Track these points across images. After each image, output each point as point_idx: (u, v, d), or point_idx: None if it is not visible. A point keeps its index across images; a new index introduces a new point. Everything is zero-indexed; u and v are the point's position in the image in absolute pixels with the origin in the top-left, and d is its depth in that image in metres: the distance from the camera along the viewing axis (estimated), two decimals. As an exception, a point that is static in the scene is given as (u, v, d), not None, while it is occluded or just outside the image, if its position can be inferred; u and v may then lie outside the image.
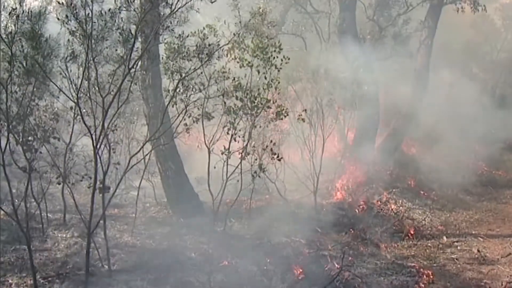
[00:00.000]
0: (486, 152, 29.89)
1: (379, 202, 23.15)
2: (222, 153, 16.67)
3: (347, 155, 25.91)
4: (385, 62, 28.26)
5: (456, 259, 18.80)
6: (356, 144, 26.60)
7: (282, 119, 17.26)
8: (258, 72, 16.87)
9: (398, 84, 27.43)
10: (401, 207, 23.14)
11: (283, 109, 17.60)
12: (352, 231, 19.99)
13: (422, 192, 25.11)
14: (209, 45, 15.39)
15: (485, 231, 21.69)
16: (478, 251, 19.28)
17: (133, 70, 13.87)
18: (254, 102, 16.38)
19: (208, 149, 17.03)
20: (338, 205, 22.12)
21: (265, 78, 16.84)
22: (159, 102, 17.96)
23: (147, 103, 18.43)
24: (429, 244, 20.06)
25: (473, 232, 21.44)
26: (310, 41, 29.02)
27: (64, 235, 16.92)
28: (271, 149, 17.35)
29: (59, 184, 16.75)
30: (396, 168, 26.47)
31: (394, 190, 24.21)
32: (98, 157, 13.87)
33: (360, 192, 23.35)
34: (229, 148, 16.80)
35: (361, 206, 22.36)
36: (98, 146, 13.58)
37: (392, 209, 22.79)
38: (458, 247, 19.83)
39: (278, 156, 17.32)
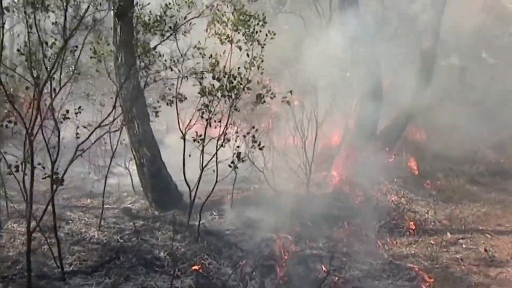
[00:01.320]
0: (495, 139, 26.63)
1: (378, 193, 20.17)
2: (194, 140, 13.83)
3: (347, 142, 22.96)
4: (389, 43, 25.23)
5: (461, 259, 15.90)
6: (357, 130, 23.63)
7: (263, 102, 14.34)
8: (240, 49, 13.97)
9: (403, 67, 24.43)
10: (402, 199, 20.23)
11: (269, 91, 14.68)
12: (347, 226, 17.08)
13: (426, 182, 21.99)
14: (172, 17, 12.61)
15: (494, 227, 18.74)
16: (486, 250, 16.43)
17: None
18: (233, 83, 13.46)
19: (183, 135, 14.25)
20: (333, 196, 19.33)
21: (248, 56, 13.92)
22: (132, 82, 15.17)
23: (120, 83, 15.65)
24: (431, 241, 17.16)
25: (480, 228, 18.47)
26: (310, 20, 25.86)
27: (24, 229, 14.13)
28: (253, 136, 14.43)
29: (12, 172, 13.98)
30: (399, 156, 23.45)
31: (395, 179, 21.09)
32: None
33: (359, 182, 20.38)
34: (204, 135, 13.97)
35: (358, 197, 19.43)
36: (30, 129, 10.84)
37: (392, 201, 19.87)
38: (464, 245, 16.92)
39: (259, 145, 14.39)
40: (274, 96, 14.93)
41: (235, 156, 14.28)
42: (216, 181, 14.62)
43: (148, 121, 16.14)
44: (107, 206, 16.67)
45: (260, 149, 14.43)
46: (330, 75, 19.39)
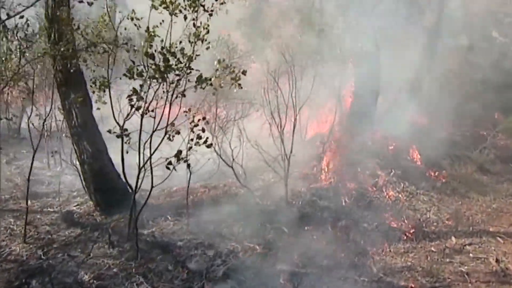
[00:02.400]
0: (507, 122, 22.57)
1: (374, 187, 16.47)
2: (117, 136, 10.25)
3: (340, 127, 19.29)
4: (389, 17, 21.32)
5: (467, 273, 12.20)
6: (352, 114, 19.93)
7: (203, 88, 10.56)
8: (185, 19, 10.32)
9: (404, 44, 20.55)
10: (401, 194, 16.50)
11: (232, 70, 11.02)
12: (332, 230, 13.49)
13: (429, 173, 18.19)
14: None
15: (507, 227, 15.12)
16: (497, 260, 12.76)
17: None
18: (169, 61, 9.79)
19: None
20: (319, 192, 15.64)
21: (194, 26, 10.23)
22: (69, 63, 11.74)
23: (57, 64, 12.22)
24: (432, 248, 13.56)
25: (491, 230, 14.83)
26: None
27: None
28: (203, 129, 10.77)
29: None
30: (400, 143, 19.56)
31: (394, 170, 17.32)
32: None
33: (352, 174, 16.70)
34: (122, 127, 10.39)
35: (349, 194, 15.79)
36: None
37: (389, 197, 16.12)
38: (471, 253, 13.28)
39: (206, 142, 10.71)
40: (238, 78, 11.20)
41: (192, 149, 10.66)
42: (152, 186, 10.97)
43: (90, 110, 12.62)
44: (48, 209, 13.21)
45: (208, 146, 10.72)
46: (316, 50, 15.65)
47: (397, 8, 21.23)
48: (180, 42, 10.13)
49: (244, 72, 10.69)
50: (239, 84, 10.62)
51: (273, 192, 14.74)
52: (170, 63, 9.83)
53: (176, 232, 12.46)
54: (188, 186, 13.04)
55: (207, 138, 10.50)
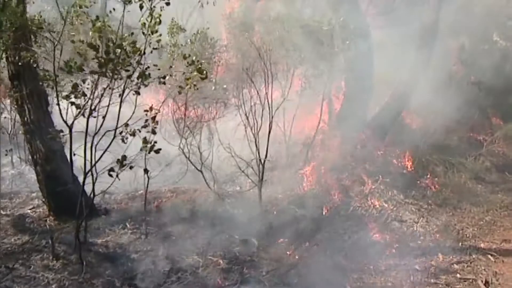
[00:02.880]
0: (505, 128, 20.97)
1: (359, 196, 15.01)
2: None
3: (328, 130, 17.86)
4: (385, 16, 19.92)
5: (452, 301, 10.74)
6: (341, 116, 18.52)
7: (146, 85, 9.13)
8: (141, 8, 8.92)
9: (399, 44, 19.08)
10: (387, 203, 15.02)
11: (196, 61, 9.65)
12: (308, 244, 12.07)
13: (421, 180, 16.70)
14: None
15: (499, 243, 13.60)
16: (486, 283, 11.30)
17: None
18: (109, 53, 8.38)
19: (68, 127, 9.29)
20: (299, 200, 14.14)
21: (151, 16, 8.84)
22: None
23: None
24: (416, 266, 12.13)
25: (482, 246, 13.40)
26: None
27: None
28: (153, 131, 9.35)
29: None
30: (390, 147, 18.08)
31: (381, 178, 15.85)
32: None
33: (337, 181, 15.25)
34: (86, 128, 9.01)
35: (331, 202, 14.37)
36: None
37: (374, 206, 14.67)
38: (458, 273, 11.91)
39: (152, 148, 9.29)
40: (205, 77, 9.81)
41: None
42: (94, 195, 9.59)
43: (45, 105, 11.24)
44: (1, 212, 11.81)
45: (156, 152, 9.30)
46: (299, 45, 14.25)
47: (393, 7, 19.87)
48: (132, 33, 8.70)
49: (202, 73, 9.24)
50: (195, 85, 9.17)
51: (246, 199, 13.33)
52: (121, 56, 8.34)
53: (132, 243, 11.08)
54: (146, 192, 11.59)
55: (155, 142, 9.04)
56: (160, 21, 8.65)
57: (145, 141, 9.15)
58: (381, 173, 16.49)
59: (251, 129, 12.73)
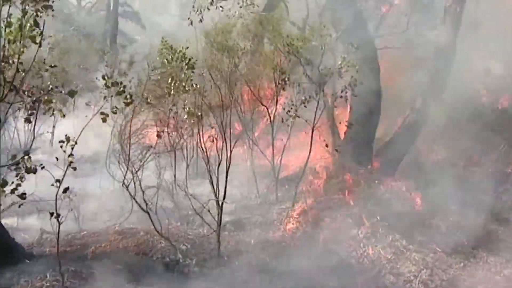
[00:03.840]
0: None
1: (351, 241, 12.39)
2: None
3: (329, 160, 15.43)
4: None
5: None
6: (345, 145, 15.98)
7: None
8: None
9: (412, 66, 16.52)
10: (385, 249, 12.32)
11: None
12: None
13: (430, 222, 13.95)
14: None
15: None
16: None
17: None
18: None
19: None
20: (276, 246, 11.67)
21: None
22: None
23: None
24: None
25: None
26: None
27: None
28: (27, 169, 7.09)
29: None
30: (400, 182, 15.39)
31: (383, 218, 13.20)
32: None
33: (329, 222, 12.72)
34: None
35: (316, 249, 11.83)
36: None
37: (367, 255, 12.02)
38: None
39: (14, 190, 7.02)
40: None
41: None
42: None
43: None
44: None
45: (22, 197, 7.05)
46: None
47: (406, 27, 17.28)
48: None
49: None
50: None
51: (206, 246, 10.85)
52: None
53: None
54: (58, 240, 9.22)
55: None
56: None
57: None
58: (383, 213, 13.85)
59: (206, 164, 10.31)
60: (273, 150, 13.90)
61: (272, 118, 13.55)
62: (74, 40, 20.66)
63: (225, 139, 10.30)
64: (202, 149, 10.40)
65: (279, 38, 12.68)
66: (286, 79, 13.12)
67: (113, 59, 18.86)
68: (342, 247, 12.25)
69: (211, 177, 10.30)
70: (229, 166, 10.39)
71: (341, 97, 13.96)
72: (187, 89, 11.55)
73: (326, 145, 15.00)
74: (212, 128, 12.18)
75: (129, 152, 10.17)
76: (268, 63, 12.95)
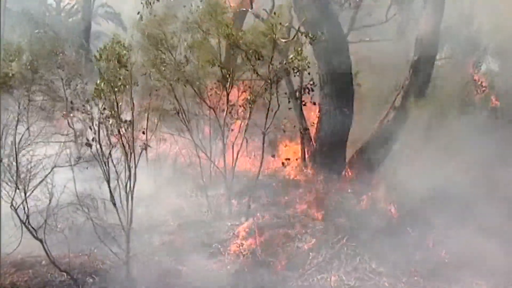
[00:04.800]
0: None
1: (307, 267, 10.14)
2: None
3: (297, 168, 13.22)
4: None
5: None
6: (315, 151, 13.67)
7: None
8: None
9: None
10: (349, 275, 10.12)
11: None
12: None
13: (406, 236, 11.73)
14: None
15: None
16: None
17: None
18: None
19: None
20: (209, 280, 9.29)
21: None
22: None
23: None
24: None
25: None
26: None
27: None
28: None
29: None
30: (378, 188, 13.09)
31: (346, 238, 10.92)
32: None
33: (282, 244, 10.46)
34: None
35: (265, 277, 9.59)
36: None
37: (323, 283, 9.74)
38: None
39: None
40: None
41: None
42: None
43: None
44: None
45: None
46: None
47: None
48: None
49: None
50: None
51: (119, 278, 8.61)
52: None
53: None
54: None
55: None
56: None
57: None
58: (353, 229, 11.52)
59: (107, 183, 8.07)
60: (224, 158, 11.60)
61: (224, 121, 11.29)
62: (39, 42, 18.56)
63: (125, 151, 8.03)
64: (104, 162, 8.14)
65: (221, 28, 10.39)
66: (228, 75, 10.84)
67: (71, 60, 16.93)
68: (296, 274, 9.90)
69: (112, 199, 8.06)
70: (133, 185, 8.15)
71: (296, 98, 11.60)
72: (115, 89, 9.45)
73: (273, 156, 12.61)
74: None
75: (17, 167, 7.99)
76: (204, 56, 10.68)
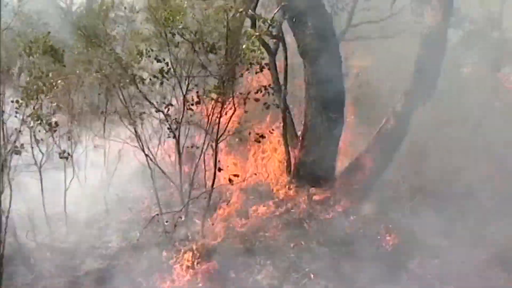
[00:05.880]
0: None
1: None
2: None
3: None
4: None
5: None
6: (303, 152, 11.40)
7: None
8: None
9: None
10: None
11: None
12: None
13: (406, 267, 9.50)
14: None
15: None
16: None
17: None
18: None
19: None
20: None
21: None
22: None
23: None
24: None
25: None
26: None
27: None
28: None
29: None
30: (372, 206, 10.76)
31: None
32: None
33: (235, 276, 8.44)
34: None
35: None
36: None
37: None
38: None
39: None
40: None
41: None
42: None
43: None
44: None
45: None
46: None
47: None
48: None
49: None
50: None
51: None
52: None
53: None
54: None
55: None
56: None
57: None
58: (336, 256, 9.27)
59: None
60: (180, 168, 9.45)
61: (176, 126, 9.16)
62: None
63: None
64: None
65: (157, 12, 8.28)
66: (165, 70, 8.70)
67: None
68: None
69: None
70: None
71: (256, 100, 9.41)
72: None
73: (230, 180, 10.19)
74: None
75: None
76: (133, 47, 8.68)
